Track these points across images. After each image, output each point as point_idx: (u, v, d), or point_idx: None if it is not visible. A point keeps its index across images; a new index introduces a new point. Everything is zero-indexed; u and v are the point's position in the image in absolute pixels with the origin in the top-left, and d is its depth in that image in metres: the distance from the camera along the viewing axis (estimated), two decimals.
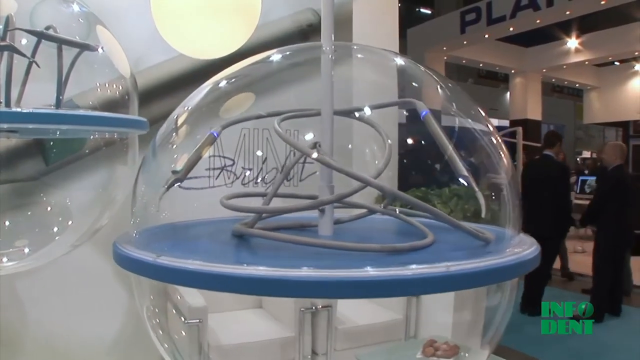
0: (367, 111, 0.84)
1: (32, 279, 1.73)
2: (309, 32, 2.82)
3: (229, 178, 2.80)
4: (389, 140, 0.74)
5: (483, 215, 0.65)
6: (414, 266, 0.53)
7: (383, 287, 0.51)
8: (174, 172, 0.67)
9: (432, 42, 8.56)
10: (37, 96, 0.97)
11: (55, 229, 1.03)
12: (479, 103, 0.82)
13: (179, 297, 2.02)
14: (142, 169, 0.76)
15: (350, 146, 0.89)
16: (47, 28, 0.95)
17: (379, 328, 2.31)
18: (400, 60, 0.86)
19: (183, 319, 1.88)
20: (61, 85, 0.91)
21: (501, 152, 0.73)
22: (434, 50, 8.56)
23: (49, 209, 1.07)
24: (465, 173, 0.66)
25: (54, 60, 0.92)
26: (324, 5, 0.78)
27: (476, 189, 0.66)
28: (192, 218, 0.85)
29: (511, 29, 7.76)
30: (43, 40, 0.95)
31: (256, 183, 2.82)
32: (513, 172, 0.75)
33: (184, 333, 1.75)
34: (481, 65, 10.44)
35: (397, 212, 0.82)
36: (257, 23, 1.45)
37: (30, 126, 0.83)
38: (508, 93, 11.45)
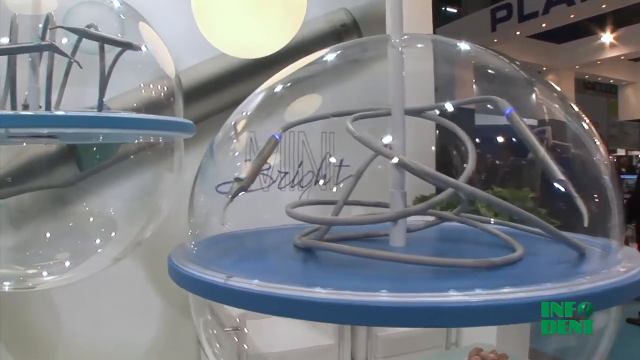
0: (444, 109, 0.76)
1: (66, 289, 1.70)
2: (342, 32, 2.77)
3: (265, 182, 2.75)
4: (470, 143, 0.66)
5: (586, 224, 0.57)
6: (548, 285, 0.45)
7: (508, 312, 0.43)
8: (238, 179, 0.63)
9: (469, 38, 8.37)
10: (73, 99, 0.93)
11: (98, 241, 0.98)
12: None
13: (214, 303, 1.99)
14: (199, 177, 0.72)
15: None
16: (89, 26, 0.90)
17: (420, 335, 2.24)
18: (475, 50, 0.78)
19: (222, 326, 1.85)
20: (104, 87, 0.85)
21: (598, 150, 0.65)
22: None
23: (91, 219, 1.02)
24: (562, 177, 0.58)
25: (90, 62, 0.88)
26: None
27: (575, 194, 0.58)
28: (230, 224, 0.83)
29: (544, 25, 7.55)
30: (83, 39, 0.91)
31: (292, 187, 2.76)
32: (613, 172, 0.66)
33: (222, 341, 1.72)
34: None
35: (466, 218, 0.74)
36: (302, 20, 1.38)
37: (72, 131, 0.78)
38: None
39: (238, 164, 0.69)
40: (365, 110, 0.78)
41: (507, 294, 0.44)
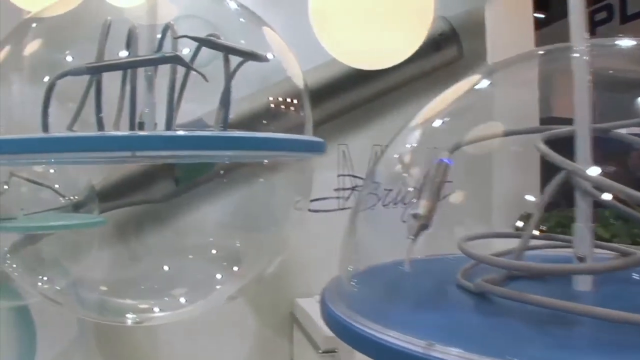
0: None
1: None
2: (440, 41, 2.62)
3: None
4: None
5: None
6: None
7: None
8: (416, 216, 0.55)
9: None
10: (182, 116, 0.84)
11: (219, 276, 0.88)
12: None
13: (308, 324, 1.91)
14: (357, 212, 0.66)
15: None
16: (210, 35, 0.80)
17: None
18: None
19: (316, 349, 1.77)
20: (227, 103, 0.74)
21: None
22: None
23: (214, 251, 0.92)
24: None
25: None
26: None
27: None
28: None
29: None
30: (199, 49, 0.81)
31: (395, 204, 2.58)
32: None
33: None
34: (611, 71, 9.50)
35: None
36: (431, 21, 1.24)
37: (197, 153, 0.68)
38: None
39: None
40: (547, 128, 0.63)
41: None
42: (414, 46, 1.22)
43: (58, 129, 0.76)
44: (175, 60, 0.70)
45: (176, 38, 0.72)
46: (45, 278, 1.13)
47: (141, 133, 0.62)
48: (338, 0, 1.13)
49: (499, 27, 2.79)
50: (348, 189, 2.36)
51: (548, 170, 0.67)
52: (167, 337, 1.86)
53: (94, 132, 0.61)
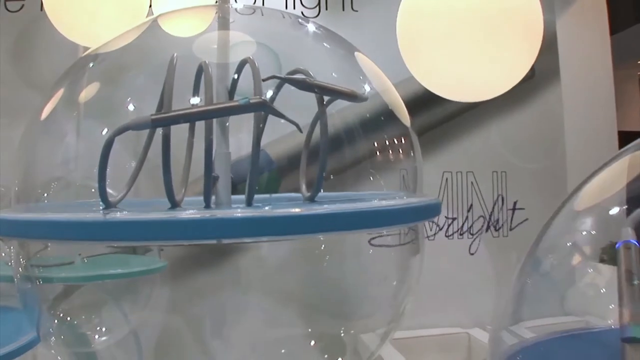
0: None
1: None
2: None
3: (430, 229, 2.39)
4: None
5: None
6: None
7: None
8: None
9: (622, 57, 7.48)
10: None
11: None
12: None
13: None
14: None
15: None
16: (293, 72, 0.65)
17: None
18: None
19: None
20: (325, 160, 0.58)
21: None
22: (624, 67, 7.47)
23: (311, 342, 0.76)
24: None
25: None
26: None
27: None
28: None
29: None
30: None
31: (461, 235, 2.35)
32: None
33: None
34: None
35: None
36: (540, 41, 1.06)
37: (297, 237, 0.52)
38: None
39: None
40: None
41: None
42: (518, 75, 1.04)
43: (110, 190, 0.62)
44: (264, 107, 0.54)
45: (265, 80, 0.56)
46: (100, 324, 1.01)
47: (228, 214, 0.46)
48: (431, 26, 0.97)
49: (571, 41, 2.58)
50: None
51: None
52: None
53: (165, 214, 0.46)
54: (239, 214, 0.45)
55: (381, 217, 0.53)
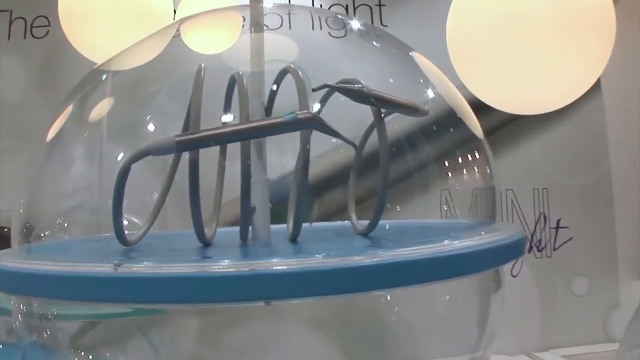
0: None
1: None
2: None
3: None
4: None
5: None
6: None
7: None
8: None
9: None
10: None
11: None
12: None
13: None
14: None
15: None
16: (344, 81, 0.54)
17: None
18: None
19: None
20: (386, 185, 0.47)
21: None
22: None
23: None
24: None
25: None
26: None
27: None
28: None
29: None
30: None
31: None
32: None
33: None
34: None
35: None
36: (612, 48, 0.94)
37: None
38: None
39: None
40: None
41: None
42: (587, 84, 0.92)
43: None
44: (314, 124, 0.43)
45: (316, 90, 0.46)
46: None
47: (273, 268, 0.34)
48: (488, 26, 0.85)
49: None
50: None
51: None
52: None
53: (192, 265, 0.34)
54: (289, 267, 0.34)
55: (469, 262, 0.41)
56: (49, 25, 1.82)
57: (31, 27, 1.83)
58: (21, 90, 1.79)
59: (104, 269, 0.34)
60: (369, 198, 0.64)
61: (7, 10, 1.84)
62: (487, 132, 2.13)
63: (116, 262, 0.35)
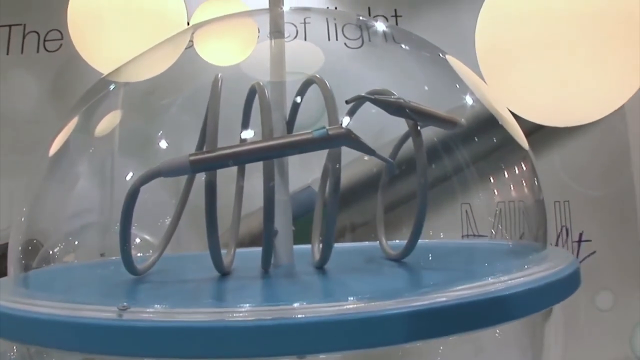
0: None
1: None
2: None
3: None
4: None
5: None
6: None
7: None
8: None
9: None
10: None
11: None
12: None
13: None
14: None
15: None
16: (373, 92, 0.48)
17: None
18: None
19: None
20: (424, 210, 0.41)
21: None
22: None
23: None
24: None
25: None
26: None
27: None
28: None
29: None
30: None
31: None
32: None
33: None
34: None
35: None
36: None
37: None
38: None
39: None
40: None
41: None
42: (627, 94, 0.86)
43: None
44: (348, 141, 0.38)
45: (349, 102, 0.40)
46: None
47: (302, 315, 0.29)
48: (519, 33, 0.80)
49: None
50: None
51: None
52: None
53: (207, 312, 0.29)
54: (320, 315, 0.28)
55: (522, 304, 0.36)
56: (62, 38, 1.81)
57: (44, 40, 1.81)
58: (34, 103, 1.78)
59: (108, 314, 0.29)
60: (390, 210, 0.59)
61: (20, 24, 1.84)
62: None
63: (122, 305, 0.29)
